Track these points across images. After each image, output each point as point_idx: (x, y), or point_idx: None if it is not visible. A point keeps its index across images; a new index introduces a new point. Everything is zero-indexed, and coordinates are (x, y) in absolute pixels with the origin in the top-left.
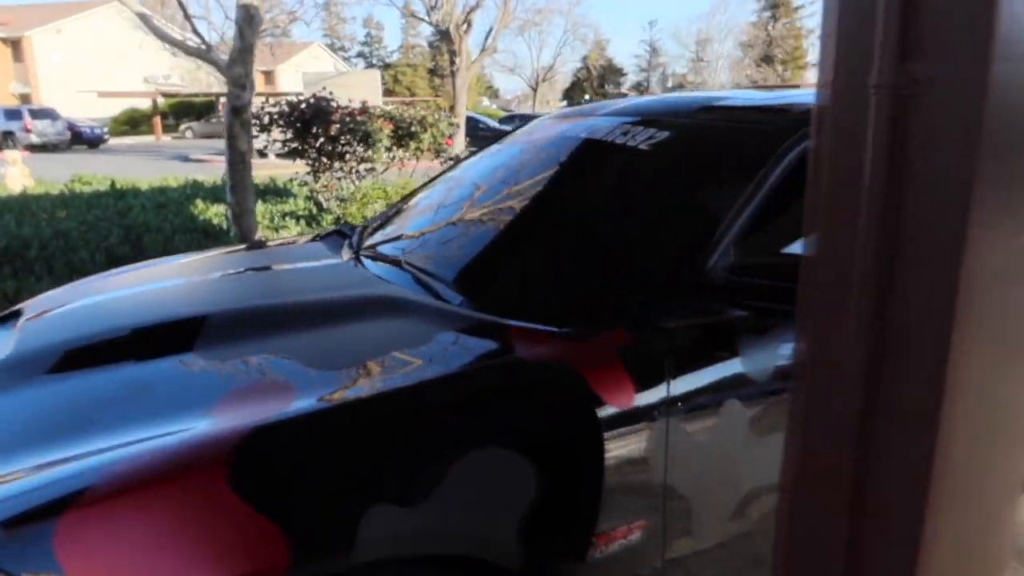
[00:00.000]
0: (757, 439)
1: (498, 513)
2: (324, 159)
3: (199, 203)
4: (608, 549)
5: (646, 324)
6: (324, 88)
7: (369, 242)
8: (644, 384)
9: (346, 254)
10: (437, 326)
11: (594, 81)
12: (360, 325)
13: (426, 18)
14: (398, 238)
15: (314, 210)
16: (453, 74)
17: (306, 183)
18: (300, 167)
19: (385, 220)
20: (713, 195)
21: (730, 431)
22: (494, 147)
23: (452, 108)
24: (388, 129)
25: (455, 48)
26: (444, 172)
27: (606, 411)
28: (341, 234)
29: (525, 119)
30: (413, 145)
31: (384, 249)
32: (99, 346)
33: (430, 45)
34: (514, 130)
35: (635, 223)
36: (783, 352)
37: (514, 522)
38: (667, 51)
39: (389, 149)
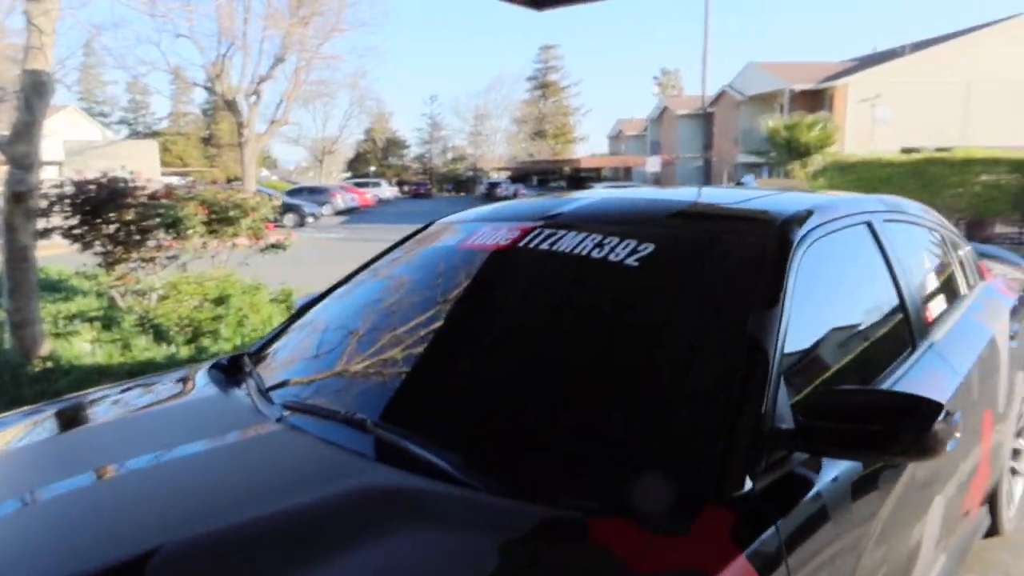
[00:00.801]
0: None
1: None
2: (118, 248)
3: None
4: None
5: (727, 493)
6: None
7: (276, 383)
8: (768, 569)
9: (264, 409)
10: (483, 532)
11: (378, 152)
12: (378, 547)
13: (208, 86)
14: (337, 378)
15: (108, 310)
16: (241, 145)
17: (95, 275)
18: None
19: (288, 346)
20: (742, 322)
21: None
22: (413, 253)
23: (230, 180)
24: (201, 214)
25: (242, 120)
26: (351, 276)
27: None
28: (225, 369)
29: (315, 191)
30: (230, 231)
31: (318, 398)
32: None
33: (204, 113)
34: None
35: (672, 367)
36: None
37: None
38: (448, 124)
39: (201, 236)
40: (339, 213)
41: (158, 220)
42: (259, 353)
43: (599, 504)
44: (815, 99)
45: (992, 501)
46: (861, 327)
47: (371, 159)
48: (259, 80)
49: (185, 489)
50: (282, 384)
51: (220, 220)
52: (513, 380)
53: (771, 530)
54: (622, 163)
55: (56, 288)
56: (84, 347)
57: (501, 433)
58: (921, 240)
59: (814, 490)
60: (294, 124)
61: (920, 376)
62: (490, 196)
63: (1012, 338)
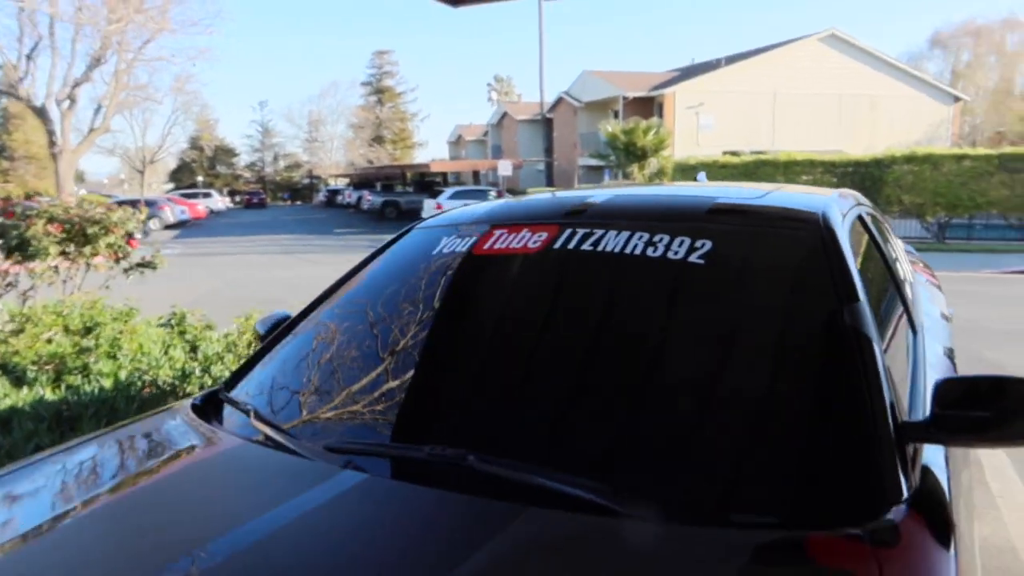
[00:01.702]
0: None
1: None
2: None
3: None
4: None
5: (898, 494)
6: None
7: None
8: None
9: (317, 457)
10: (695, 563)
11: (204, 162)
12: None
13: (8, 91)
14: (391, 409)
15: None
16: (54, 157)
17: None
18: None
19: (290, 377)
20: (836, 313)
21: None
22: (419, 263)
23: (28, 196)
24: (55, 233)
25: (53, 128)
26: (329, 294)
27: None
28: (206, 411)
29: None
30: (88, 251)
31: (382, 436)
32: None
33: None
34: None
35: (794, 366)
36: None
37: None
38: (280, 131)
39: (54, 258)
40: (169, 227)
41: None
42: (234, 387)
43: (780, 520)
44: (646, 106)
45: None
46: (886, 315)
47: (197, 169)
48: (74, 84)
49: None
50: (313, 423)
51: (76, 239)
52: (629, 395)
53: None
54: (471, 167)
55: None
56: None
57: (642, 454)
58: (883, 230)
59: (947, 479)
60: (116, 131)
61: (935, 358)
62: (330, 203)
63: (949, 319)
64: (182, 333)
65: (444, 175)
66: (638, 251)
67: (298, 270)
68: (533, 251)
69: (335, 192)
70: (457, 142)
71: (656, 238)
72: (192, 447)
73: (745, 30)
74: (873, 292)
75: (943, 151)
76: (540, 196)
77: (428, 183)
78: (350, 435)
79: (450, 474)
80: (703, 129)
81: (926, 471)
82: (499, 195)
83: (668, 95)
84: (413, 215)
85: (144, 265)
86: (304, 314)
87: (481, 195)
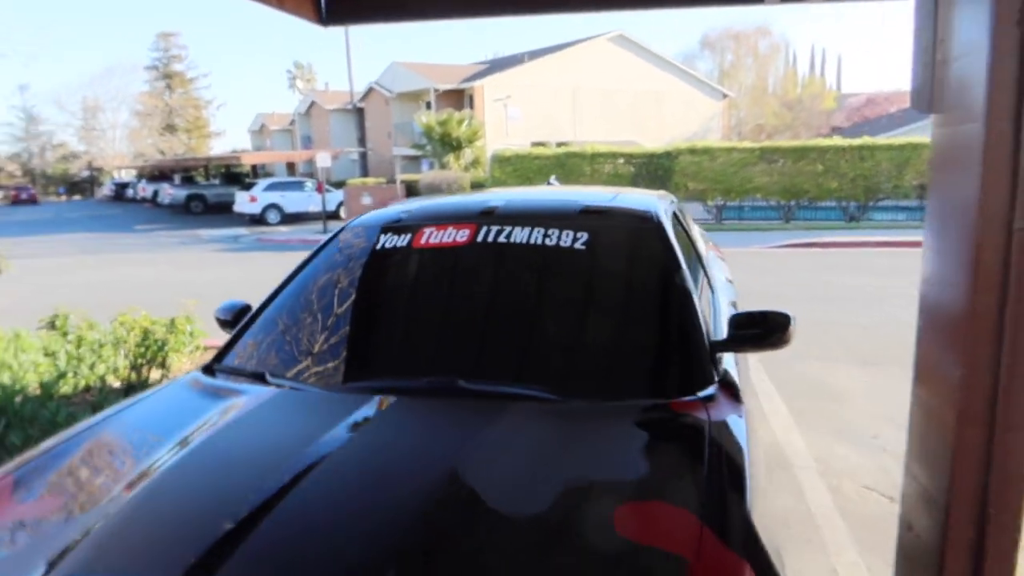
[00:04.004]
0: None
1: None
2: None
3: None
4: None
5: (714, 376)
6: None
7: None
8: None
9: (352, 395)
10: (620, 417)
11: None
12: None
13: None
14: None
15: None
16: None
17: None
18: None
19: (276, 346)
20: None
21: None
22: (361, 256)
23: None
24: None
25: None
26: (286, 284)
27: None
28: (205, 380)
29: None
30: None
31: (387, 376)
32: None
33: None
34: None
35: (651, 309)
36: None
37: None
38: (48, 118)
39: None
40: None
41: None
42: (224, 360)
43: (655, 396)
44: (458, 98)
45: None
46: (694, 277)
47: None
48: None
49: (400, 446)
50: (323, 374)
51: None
52: (548, 332)
53: (737, 383)
54: (285, 158)
55: None
56: None
57: (564, 368)
58: (688, 221)
59: (736, 372)
60: None
61: (725, 306)
62: (119, 198)
63: (732, 282)
64: (64, 334)
65: (253, 167)
66: (539, 241)
67: (117, 271)
68: (462, 244)
69: (123, 185)
70: (261, 131)
71: (550, 231)
72: (226, 404)
73: (543, 27)
74: (687, 263)
75: (718, 144)
76: (450, 200)
77: (235, 175)
78: (361, 377)
79: (446, 393)
80: (511, 120)
81: (726, 369)
82: (319, 187)
83: (477, 87)
84: (222, 209)
85: None
86: (271, 298)
87: (297, 187)
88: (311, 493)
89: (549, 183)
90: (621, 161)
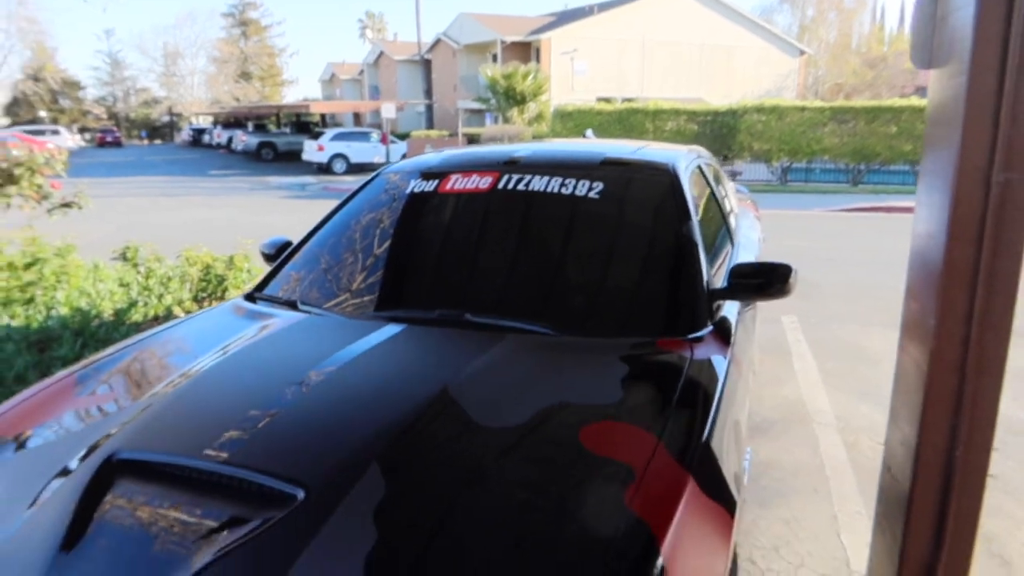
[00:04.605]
0: None
1: None
2: None
3: None
4: None
5: (708, 320)
6: None
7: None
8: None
9: (372, 320)
10: (606, 352)
11: (46, 95)
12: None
13: None
14: (399, 292)
15: None
16: None
17: None
18: None
19: (314, 279)
20: (680, 227)
21: None
22: (392, 199)
23: None
24: None
25: None
26: (322, 224)
27: None
28: (251, 303)
29: None
30: (14, 191)
31: (400, 306)
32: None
33: None
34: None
35: (653, 257)
36: None
37: None
38: (132, 64)
39: None
40: None
41: None
42: (264, 290)
43: (646, 334)
44: (524, 51)
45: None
46: (712, 230)
47: (37, 103)
48: None
49: (401, 363)
50: (347, 303)
51: (2, 180)
52: (556, 272)
53: (732, 329)
54: (352, 108)
55: None
56: None
57: (568, 306)
58: (717, 176)
59: (735, 321)
60: None
61: (747, 257)
62: (196, 143)
63: (761, 241)
64: (135, 265)
65: (322, 116)
66: (555, 190)
67: (190, 213)
68: (483, 190)
69: (200, 131)
70: (331, 80)
71: (567, 181)
72: (261, 324)
73: None
74: (704, 216)
75: (787, 103)
76: (480, 149)
77: (305, 124)
78: (380, 307)
79: (453, 324)
80: (577, 75)
81: (724, 316)
82: (383, 138)
83: (544, 40)
84: (292, 157)
85: (68, 205)
86: (309, 236)
87: (363, 137)
88: (321, 393)
89: (584, 136)
90: (684, 119)
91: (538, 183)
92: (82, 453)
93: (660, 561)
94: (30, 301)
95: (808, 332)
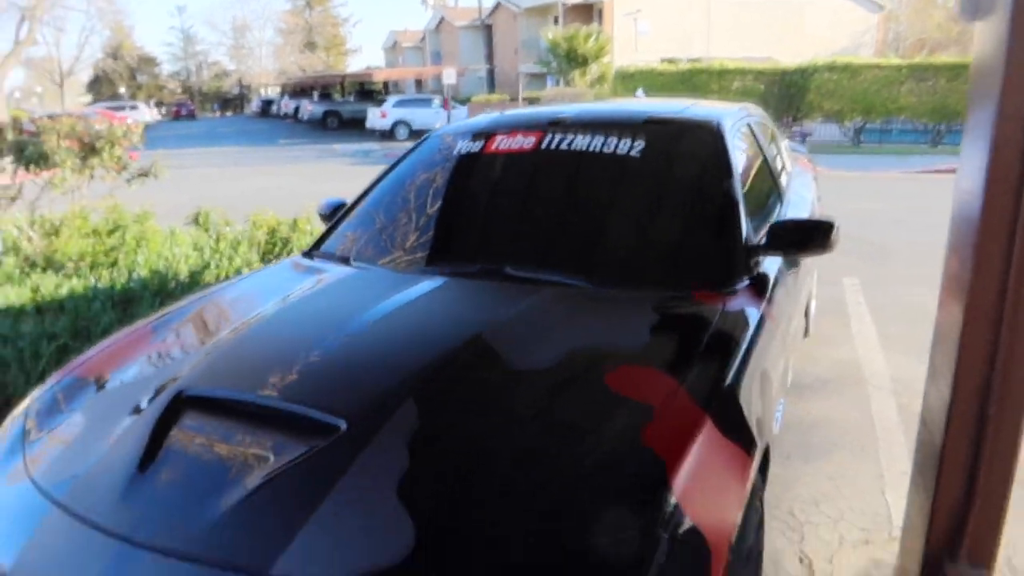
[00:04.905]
0: None
1: None
2: None
3: None
4: None
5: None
6: None
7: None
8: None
9: (420, 273)
10: (643, 304)
11: (124, 72)
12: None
13: None
14: (453, 248)
15: None
16: None
17: None
18: None
19: (368, 237)
20: (720, 184)
21: None
22: (441, 160)
23: None
24: (74, 147)
25: None
26: (375, 185)
27: None
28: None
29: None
30: (96, 162)
31: (450, 261)
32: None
33: None
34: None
35: (689, 211)
36: None
37: None
38: (203, 38)
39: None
40: None
41: (21, 155)
42: (320, 248)
43: (682, 286)
44: (586, 12)
45: (807, 310)
46: (759, 188)
47: (117, 79)
48: None
49: (441, 312)
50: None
51: (86, 152)
52: (596, 227)
53: (770, 283)
54: (414, 75)
55: None
56: None
57: (608, 260)
58: (769, 135)
59: (774, 276)
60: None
61: (796, 216)
62: (265, 114)
63: (816, 201)
64: (206, 230)
65: (384, 83)
66: (596, 148)
67: (259, 181)
68: (527, 150)
69: (269, 102)
70: (393, 48)
71: (609, 140)
72: (316, 278)
73: None
74: (749, 173)
75: (860, 60)
76: (528, 111)
77: (369, 91)
78: (425, 262)
79: (494, 277)
80: (641, 35)
81: (763, 272)
82: (444, 103)
83: (607, 1)
84: (356, 124)
85: (144, 174)
86: (361, 197)
87: (425, 103)
88: (365, 338)
89: (636, 95)
90: (751, 78)
91: (581, 142)
92: (154, 392)
93: (672, 493)
94: (114, 264)
95: (870, 295)
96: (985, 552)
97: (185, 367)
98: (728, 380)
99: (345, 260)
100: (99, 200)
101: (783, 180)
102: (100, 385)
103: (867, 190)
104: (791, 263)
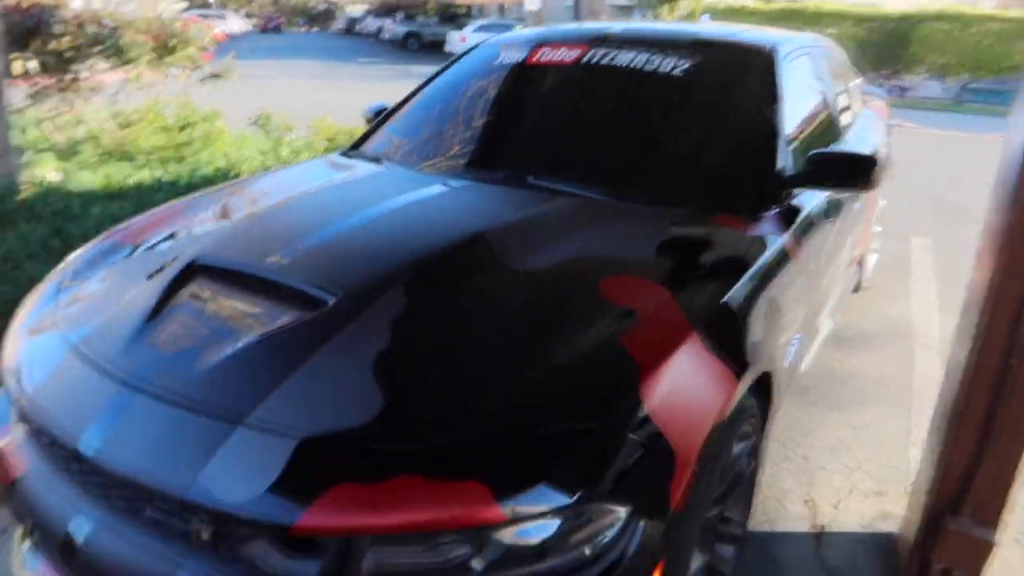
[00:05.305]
0: None
1: None
2: (51, 79)
3: None
4: None
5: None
6: None
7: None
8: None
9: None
10: (657, 218)
11: None
12: (599, 226)
13: None
14: (483, 153)
15: (57, 142)
16: None
17: (21, 110)
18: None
19: (404, 139)
20: (761, 109)
21: None
22: (484, 68)
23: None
24: (149, 43)
25: None
26: (423, 87)
27: None
28: (350, 156)
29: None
30: (170, 60)
31: (475, 168)
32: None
33: None
34: None
35: (721, 134)
36: None
37: None
38: None
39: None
40: None
41: (99, 49)
42: (359, 148)
43: (707, 209)
44: None
45: (860, 263)
46: (811, 121)
47: None
48: None
49: (452, 210)
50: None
51: (160, 49)
52: (627, 142)
53: (800, 217)
54: (497, 0)
55: None
56: (53, 176)
57: (623, 175)
58: (835, 69)
59: (806, 210)
60: None
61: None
62: (349, 31)
63: (889, 148)
64: (268, 132)
65: (468, 7)
66: (638, 65)
67: (331, 95)
68: (570, 63)
69: (354, 20)
70: None
71: (653, 58)
72: (347, 172)
73: None
74: (800, 105)
75: (974, 11)
76: (577, 26)
77: (452, 15)
78: (452, 165)
79: (516, 185)
80: None
81: (794, 204)
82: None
83: None
84: (437, 47)
85: (216, 76)
86: (402, 102)
87: (506, 29)
88: (371, 227)
89: (700, 20)
90: (849, 23)
91: (623, 58)
92: (174, 259)
93: (642, 396)
94: (181, 160)
95: (938, 256)
96: (990, 511)
97: (204, 240)
98: (725, 299)
99: (376, 160)
100: (174, 98)
101: (843, 119)
102: (131, 250)
103: (960, 151)
104: (835, 206)
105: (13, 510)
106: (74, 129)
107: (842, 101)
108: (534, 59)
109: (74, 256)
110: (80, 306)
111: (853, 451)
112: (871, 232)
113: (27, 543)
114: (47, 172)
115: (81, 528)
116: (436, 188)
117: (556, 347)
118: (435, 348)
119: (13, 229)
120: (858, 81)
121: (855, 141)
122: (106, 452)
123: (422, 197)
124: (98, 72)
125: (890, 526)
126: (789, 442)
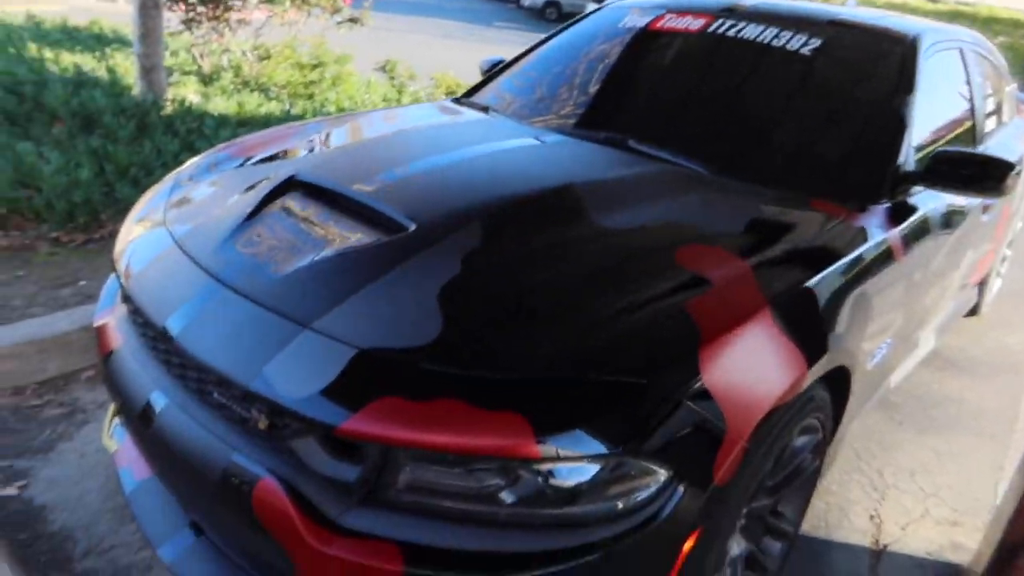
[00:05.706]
0: None
1: None
2: (203, 9)
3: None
4: None
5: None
6: None
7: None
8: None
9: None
10: (747, 195)
11: None
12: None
13: None
14: (586, 114)
15: (202, 67)
16: None
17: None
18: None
19: (514, 93)
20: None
21: None
22: (603, 31)
23: None
24: None
25: None
26: (537, 47)
27: None
28: (459, 103)
29: None
30: (314, 1)
31: (582, 126)
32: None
33: None
34: None
35: (842, 123)
36: None
37: None
38: None
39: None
40: None
41: None
42: (471, 97)
43: (807, 189)
44: None
45: (982, 285)
46: (946, 119)
47: None
48: None
49: (545, 160)
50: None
51: None
52: (738, 114)
53: (912, 217)
54: None
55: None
56: (193, 97)
57: (728, 149)
58: (987, 70)
59: (921, 209)
60: None
61: None
62: None
63: None
64: (392, 79)
65: None
66: (766, 40)
67: (462, 54)
68: (693, 32)
69: None
70: None
71: (783, 33)
72: (453, 117)
73: None
74: (937, 101)
75: None
76: None
77: None
78: (556, 120)
79: (616, 146)
80: None
81: (909, 202)
82: None
83: None
84: (573, 17)
85: (353, 20)
86: (519, 56)
87: None
88: (462, 166)
89: (848, 4)
90: (1021, 33)
91: (750, 32)
92: (276, 172)
93: (700, 363)
94: (310, 97)
95: None
96: None
97: (306, 160)
98: (809, 283)
99: (484, 109)
100: (310, 37)
101: (988, 124)
102: (241, 162)
103: None
104: (959, 215)
105: (107, 385)
106: (219, 57)
107: (989, 105)
108: (658, 25)
109: (191, 162)
110: (187, 206)
111: (933, 476)
112: (1000, 254)
113: (117, 419)
114: (189, 93)
115: (158, 402)
116: (534, 139)
117: (618, 302)
118: (501, 285)
119: (151, 140)
120: (1013, 87)
121: (997, 148)
122: (187, 335)
123: (519, 146)
124: (249, 7)
125: (959, 558)
126: (865, 453)
